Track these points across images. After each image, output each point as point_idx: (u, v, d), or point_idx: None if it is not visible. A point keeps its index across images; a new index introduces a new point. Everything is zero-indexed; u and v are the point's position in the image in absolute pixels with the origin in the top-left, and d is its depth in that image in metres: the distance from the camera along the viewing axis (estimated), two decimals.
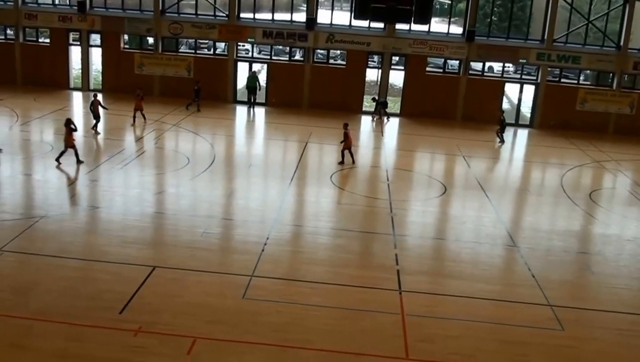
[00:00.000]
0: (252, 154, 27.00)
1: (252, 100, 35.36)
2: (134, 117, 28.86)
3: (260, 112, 35.36)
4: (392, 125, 34.34)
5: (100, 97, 28.87)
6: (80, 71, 37.85)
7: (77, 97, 35.88)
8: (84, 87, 37.17)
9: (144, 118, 29.06)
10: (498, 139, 30.63)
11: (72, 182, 20.76)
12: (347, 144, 24.14)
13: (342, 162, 24.06)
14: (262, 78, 36.37)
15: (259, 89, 35.39)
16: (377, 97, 35.00)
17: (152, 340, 11.38)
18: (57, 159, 22.12)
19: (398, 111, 36.54)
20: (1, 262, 14.35)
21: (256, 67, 37.46)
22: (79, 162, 22.30)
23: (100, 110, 27.49)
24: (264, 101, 36.38)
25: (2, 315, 12.01)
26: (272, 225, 17.60)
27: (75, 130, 22.65)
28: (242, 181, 22.55)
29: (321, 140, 28.75)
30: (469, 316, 13.03)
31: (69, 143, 22.28)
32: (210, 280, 13.99)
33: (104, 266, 14.36)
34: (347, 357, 11.25)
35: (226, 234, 17.35)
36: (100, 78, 37.57)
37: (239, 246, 16.36)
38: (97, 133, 26.81)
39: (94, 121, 27.19)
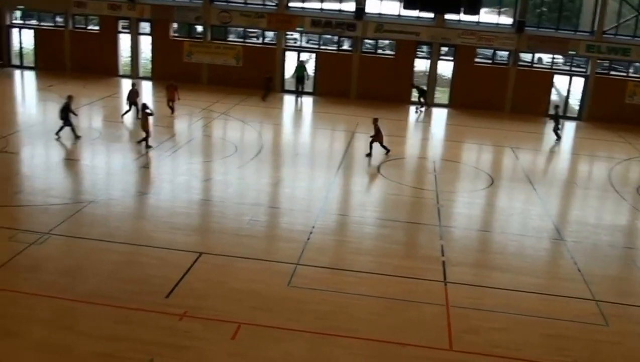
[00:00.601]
0: (299, 143, 27.05)
1: (300, 89, 35.39)
2: (171, 108, 28.43)
3: (307, 101, 35.36)
4: (440, 116, 34.02)
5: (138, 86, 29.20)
6: (129, 59, 38.36)
7: (126, 85, 36.39)
8: (133, 74, 37.68)
9: (172, 110, 28.34)
10: (555, 137, 29.65)
11: (144, 164, 21.09)
12: (379, 138, 23.86)
13: (369, 155, 23.74)
14: (310, 68, 36.35)
15: (307, 79, 35.38)
16: (416, 85, 34.50)
17: (197, 325, 11.50)
18: (147, 146, 22.98)
19: (447, 102, 36.17)
20: (50, 246, 14.69)
21: (304, 56, 37.44)
22: (148, 147, 22.94)
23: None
24: (311, 90, 36.36)
25: (50, 297, 12.29)
26: (317, 214, 17.62)
27: (152, 114, 23.28)
28: (289, 169, 22.64)
29: (368, 131, 28.56)
30: (513, 309, 12.89)
31: (145, 128, 23.03)
32: (255, 267, 14.10)
33: (151, 251, 14.58)
34: (390, 347, 11.24)
35: (272, 222, 17.43)
36: (150, 66, 38.01)
37: (285, 234, 16.44)
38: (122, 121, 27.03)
39: (126, 109, 27.37)
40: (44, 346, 10.70)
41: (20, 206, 17.20)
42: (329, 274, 13.99)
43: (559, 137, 29.22)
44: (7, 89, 34.20)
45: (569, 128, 33.96)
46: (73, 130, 23.59)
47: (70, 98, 23.65)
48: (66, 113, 23.22)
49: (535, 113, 34.06)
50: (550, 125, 30.28)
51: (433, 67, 35.58)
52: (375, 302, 12.85)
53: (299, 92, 35.42)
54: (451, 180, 22.33)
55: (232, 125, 28.50)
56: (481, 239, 17.22)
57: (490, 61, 35.97)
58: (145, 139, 22.92)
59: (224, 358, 10.56)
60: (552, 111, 30.05)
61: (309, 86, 36.23)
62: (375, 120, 24.11)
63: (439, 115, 34.16)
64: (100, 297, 12.30)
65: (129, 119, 27.32)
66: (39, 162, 21.88)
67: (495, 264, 15.32)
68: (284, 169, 22.61)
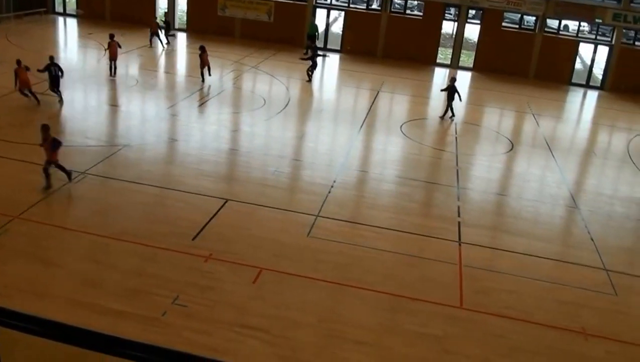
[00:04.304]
0: (325, 100, 27.48)
1: (311, 47, 35.45)
2: (203, 75, 26.38)
3: (334, 58, 35.61)
4: (464, 79, 34.14)
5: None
6: (166, 10, 38.64)
7: (162, 36, 36.85)
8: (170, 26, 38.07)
9: (203, 77, 26.39)
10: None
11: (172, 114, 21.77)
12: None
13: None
14: (339, 26, 36.50)
15: (317, 38, 35.60)
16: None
17: (221, 267, 12.17)
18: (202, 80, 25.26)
19: (471, 65, 36.22)
20: (85, 185, 15.46)
21: (333, 14, 37.55)
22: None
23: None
24: (338, 48, 36.53)
25: (84, 232, 13.07)
26: (339, 169, 18.18)
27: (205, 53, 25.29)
28: (313, 124, 23.16)
29: (393, 90, 28.95)
30: (525, 273, 13.21)
31: (205, 63, 25.34)
32: (278, 216, 14.72)
33: (179, 195, 15.29)
34: (402, 301, 11.70)
35: (295, 174, 18.03)
36: (185, 18, 38.40)
37: (307, 186, 17.02)
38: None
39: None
40: (78, 277, 11.48)
41: None
42: (347, 227, 14.51)
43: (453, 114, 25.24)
44: (49, 35, 34.88)
45: (591, 97, 33.96)
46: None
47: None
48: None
49: (558, 81, 34.02)
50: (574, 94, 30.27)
51: (460, 29, 35.58)
52: (391, 257, 13.37)
53: (309, 51, 35.31)
54: (471, 143, 22.71)
55: (261, 78, 28.97)
56: (497, 203, 17.65)
57: (517, 26, 35.85)
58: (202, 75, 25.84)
59: (245, 300, 11.17)
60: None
61: (335, 43, 36.36)
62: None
63: (463, 78, 34.27)
64: (130, 235, 13.04)
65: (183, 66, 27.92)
66: (78, 105, 22.76)
67: (510, 228, 15.74)
68: (308, 124, 23.14)
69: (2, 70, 22.64)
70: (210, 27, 36.20)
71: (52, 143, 14.89)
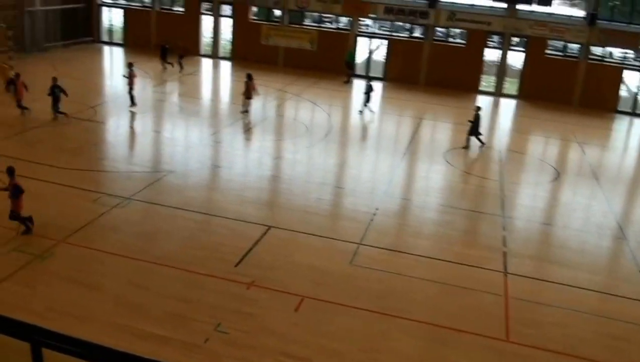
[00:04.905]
0: (367, 127, 27.46)
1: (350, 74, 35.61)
2: (247, 103, 25.76)
3: (377, 86, 35.57)
4: (507, 107, 33.84)
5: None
6: (210, 39, 39.52)
7: (207, 63, 37.57)
8: (214, 54, 38.89)
9: (248, 107, 25.75)
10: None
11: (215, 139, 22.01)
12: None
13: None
14: (382, 54, 36.63)
15: (354, 66, 35.64)
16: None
17: (263, 294, 12.13)
18: (246, 111, 24.97)
19: (515, 93, 35.88)
20: (130, 210, 15.68)
21: (375, 42, 37.72)
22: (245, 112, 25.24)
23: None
24: (381, 76, 36.61)
25: (128, 257, 13.22)
26: (381, 196, 18.07)
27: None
28: (355, 152, 23.13)
29: (436, 118, 28.83)
30: (572, 306, 12.88)
31: (250, 95, 24.99)
32: (320, 244, 14.67)
33: (222, 221, 15.38)
34: (446, 332, 11.48)
35: (337, 202, 18.00)
36: (229, 47, 39.01)
37: (349, 213, 16.93)
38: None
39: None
40: (121, 301, 11.58)
41: (104, 172, 18.42)
42: (389, 255, 14.39)
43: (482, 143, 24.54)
44: (96, 64, 35.72)
45: (637, 125, 33.29)
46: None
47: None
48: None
49: (603, 108, 33.46)
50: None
51: (503, 57, 35.35)
52: (434, 286, 13.17)
53: (349, 78, 35.47)
54: (516, 171, 22.40)
55: (304, 106, 29.15)
56: (543, 232, 17.31)
57: (561, 53, 35.47)
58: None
59: (287, 328, 11.09)
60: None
61: (377, 71, 36.47)
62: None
63: (507, 106, 33.97)
64: (173, 261, 13.13)
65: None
66: (123, 131, 23.26)
67: (556, 258, 15.41)
68: (350, 151, 23.11)
69: (49, 97, 23.13)
70: (253, 56, 36.69)
71: (14, 189, 13.67)
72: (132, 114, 24.49)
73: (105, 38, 41.05)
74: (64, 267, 12.65)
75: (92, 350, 3.48)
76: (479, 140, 23.76)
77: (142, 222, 15.21)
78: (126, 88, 24.77)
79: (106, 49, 39.67)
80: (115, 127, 23.49)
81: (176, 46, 33.55)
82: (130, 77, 24.64)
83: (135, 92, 24.92)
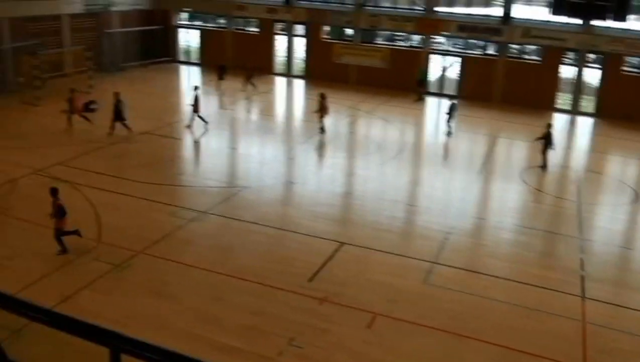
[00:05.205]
0: (440, 144, 27.22)
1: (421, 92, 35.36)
2: (322, 121, 25.78)
3: (448, 104, 35.25)
4: (584, 125, 32.97)
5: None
6: (283, 58, 40.03)
7: (281, 82, 38.14)
8: (288, 72, 39.43)
9: (323, 126, 25.72)
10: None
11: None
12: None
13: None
14: (455, 71, 36.38)
15: (426, 84, 35.45)
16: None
17: (336, 310, 12.14)
18: (322, 129, 25.02)
19: (592, 111, 34.89)
20: (206, 223, 16.04)
21: (448, 60, 37.48)
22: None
23: None
24: (455, 93, 36.30)
25: (203, 269, 13.52)
26: (456, 215, 17.85)
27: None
28: (429, 169, 22.96)
29: (511, 136, 28.37)
30: None
31: (326, 110, 25.15)
32: (393, 261, 14.58)
33: (296, 236, 15.52)
34: (521, 356, 11.21)
35: (410, 219, 17.90)
36: (302, 65, 39.49)
37: (422, 232, 16.79)
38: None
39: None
40: (196, 312, 11.82)
41: (182, 186, 18.97)
42: (464, 275, 14.18)
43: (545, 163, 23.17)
44: (172, 82, 36.71)
45: None
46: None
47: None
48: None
49: None
50: None
51: (579, 74, 34.49)
52: (510, 308, 12.86)
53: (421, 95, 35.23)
54: (594, 192, 21.72)
55: (376, 123, 29.16)
56: (622, 256, 16.72)
57: (638, 70, 34.31)
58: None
59: (360, 345, 11.07)
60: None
61: (451, 89, 36.20)
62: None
63: (584, 125, 33.11)
64: (248, 274, 13.32)
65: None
66: (200, 148, 23.93)
67: (637, 284, 14.84)
68: (423, 169, 22.97)
69: (129, 115, 23.89)
70: (326, 74, 36.95)
71: (57, 209, 13.69)
72: (205, 131, 25.00)
73: (182, 58, 42.16)
74: (142, 277, 13.03)
75: (171, 358, 3.54)
76: (544, 159, 23.08)
77: (217, 236, 15.51)
78: (191, 110, 25.14)
79: (183, 68, 40.71)
80: (192, 143, 24.06)
81: (245, 66, 34.12)
82: (196, 101, 25.02)
83: (203, 113, 25.37)
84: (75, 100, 23.85)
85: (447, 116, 27.30)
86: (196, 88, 25.51)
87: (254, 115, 29.43)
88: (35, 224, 14.36)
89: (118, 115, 23.23)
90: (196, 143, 24.11)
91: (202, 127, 25.09)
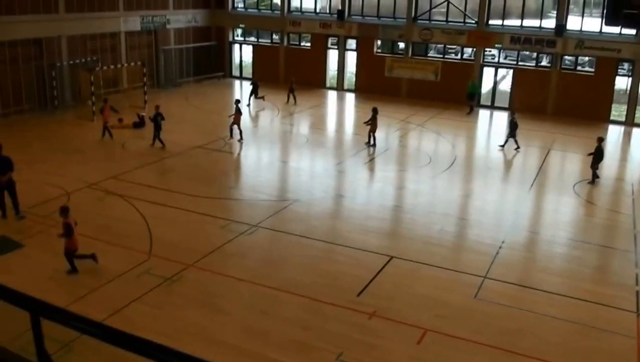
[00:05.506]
0: (492, 157, 26.92)
1: (472, 106, 34.94)
2: (373, 137, 26.06)
3: (502, 116, 34.88)
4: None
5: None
6: (335, 72, 40.33)
7: (332, 96, 38.31)
8: (339, 87, 39.68)
9: (374, 141, 26.05)
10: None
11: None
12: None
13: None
14: (508, 83, 35.99)
15: (477, 98, 35.12)
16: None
17: (385, 325, 12.09)
18: (370, 142, 25.36)
19: None
20: (256, 237, 16.20)
21: (501, 72, 37.10)
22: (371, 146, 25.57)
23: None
24: (507, 106, 35.86)
25: (252, 282, 13.63)
26: (507, 229, 17.61)
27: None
28: (480, 182, 22.70)
29: (565, 148, 27.87)
30: None
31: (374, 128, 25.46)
32: (443, 276, 14.46)
33: (345, 250, 15.52)
34: None
35: (461, 233, 17.71)
36: (353, 79, 39.63)
37: (473, 246, 16.60)
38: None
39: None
40: (246, 325, 11.92)
41: (233, 199, 19.22)
42: (516, 290, 13.96)
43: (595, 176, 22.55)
44: (226, 97, 37.18)
45: None
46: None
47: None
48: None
49: None
50: None
51: (634, 85, 33.69)
52: (563, 325, 12.59)
53: (471, 108, 34.84)
54: None
55: (427, 137, 29.03)
56: None
57: None
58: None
59: (409, 361, 10.97)
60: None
61: (503, 101, 35.78)
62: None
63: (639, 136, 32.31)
64: (297, 288, 13.38)
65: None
66: (251, 161, 24.22)
67: None
68: (475, 182, 22.73)
69: (182, 129, 24.39)
70: (377, 87, 37.02)
71: (65, 228, 13.54)
72: (241, 145, 25.36)
73: (235, 73, 42.86)
74: (192, 290, 13.22)
75: None
76: (594, 173, 22.53)
77: (267, 249, 15.66)
78: (232, 123, 25.54)
79: (236, 83, 41.31)
80: (244, 156, 24.37)
81: (289, 81, 34.44)
82: (236, 115, 25.43)
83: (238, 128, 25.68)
84: (106, 110, 24.75)
85: (508, 131, 26.81)
86: (237, 102, 25.93)
87: (304, 129, 29.62)
88: (85, 237, 14.75)
89: (156, 127, 23.88)
90: (237, 156, 24.41)
91: (238, 140, 25.55)
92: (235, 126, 25.38)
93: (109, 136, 24.65)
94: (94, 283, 13.32)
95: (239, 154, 24.56)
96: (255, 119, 31.43)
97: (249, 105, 33.06)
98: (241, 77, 42.48)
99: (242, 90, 39.88)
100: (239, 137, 25.41)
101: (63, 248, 13.70)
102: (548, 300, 13.58)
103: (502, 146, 26.67)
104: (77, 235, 13.75)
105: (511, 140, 26.41)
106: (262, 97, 33.79)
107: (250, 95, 33.90)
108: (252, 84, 34.69)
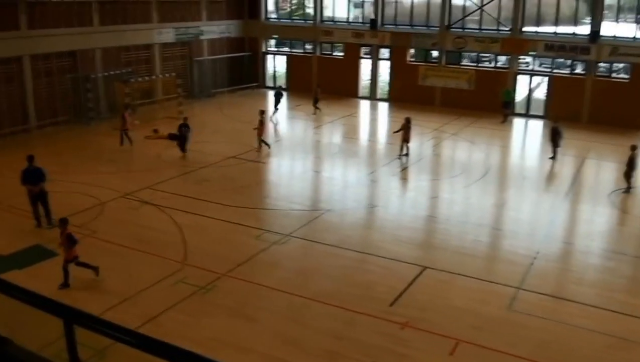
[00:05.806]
0: (527, 167, 26.67)
1: (507, 114, 34.59)
2: (406, 147, 25.84)
3: (537, 124, 34.56)
4: None
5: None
6: (368, 82, 40.37)
7: (365, 105, 38.37)
8: (372, 96, 39.71)
9: (407, 150, 25.80)
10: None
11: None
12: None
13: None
14: (542, 91, 35.66)
15: (512, 106, 34.82)
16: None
17: (418, 336, 12.05)
18: (403, 152, 25.23)
19: None
20: (289, 246, 16.30)
21: (536, 80, 36.77)
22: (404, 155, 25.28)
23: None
24: (542, 114, 35.52)
25: (285, 292, 13.71)
26: (542, 239, 17.43)
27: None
28: (515, 192, 22.52)
29: (600, 157, 27.51)
30: None
31: (408, 138, 25.24)
32: (476, 286, 14.36)
33: (378, 260, 15.53)
34: None
35: (495, 243, 17.60)
36: (387, 88, 39.62)
37: (507, 256, 16.47)
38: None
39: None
40: (278, 334, 12.00)
41: (267, 209, 19.42)
42: (551, 302, 13.80)
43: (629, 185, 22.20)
44: (260, 107, 37.43)
45: None
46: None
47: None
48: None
49: None
50: None
51: None
52: (598, 338, 12.41)
53: (505, 116, 34.48)
54: None
55: (461, 146, 28.91)
56: None
57: None
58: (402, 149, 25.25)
59: None
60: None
61: (538, 109, 35.45)
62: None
63: None
64: (329, 297, 13.41)
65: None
66: (285, 171, 24.44)
67: None
68: (509, 191, 22.55)
69: (216, 139, 24.64)
70: (410, 96, 36.95)
71: (67, 239, 13.65)
72: (267, 154, 25.57)
73: (269, 83, 43.10)
74: (225, 299, 13.36)
75: None
76: (628, 182, 22.12)
77: (300, 259, 15.75)
78: (257, 133, 25.73)
79: (270, 93, 41.47)
80: (277, 166, 24.55)
81: (314, 90, 34.55)
82: (260, 125, 25.62)
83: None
84: (127, 117, 25.27)
85: (551, 143, 26.34)
86: (262, 112, 26.12)
87: (337, 138, 29.71)
88: (119, 246, 14.95)
89: (181, 137, 24.23)
90: (282, 167, 24.59)
91: (263, 150, 25.78)
92: (258, 137, 25.63)
93: (128, 143, 25.11)
94: (128, 291, 13.51)
95: (271, 164, 24.74)
96: (284, 128, 31.62)
97: (274, 113, 33.33)
98: (275, 88, 42.66)
99: (275, 100, 40.11)
100: (257, 145, 25.62)
101: (63, 259, 13.75)
102: (582, 312, 13.39)
103: (552, 158, 26.15)
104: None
105: (555, 148, 26.00)
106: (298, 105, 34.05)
107: (276, 105, 33.90)
108: (276, 94, 34.48)
